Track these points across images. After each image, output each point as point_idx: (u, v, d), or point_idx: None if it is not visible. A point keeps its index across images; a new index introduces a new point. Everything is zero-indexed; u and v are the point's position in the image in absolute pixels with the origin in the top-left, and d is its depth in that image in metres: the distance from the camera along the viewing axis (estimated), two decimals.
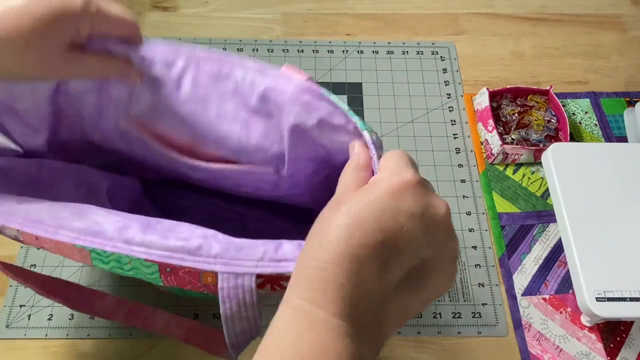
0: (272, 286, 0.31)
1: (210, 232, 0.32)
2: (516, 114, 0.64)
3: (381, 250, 0.24)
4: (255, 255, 0.31)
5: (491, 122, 0.62)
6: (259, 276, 0.31)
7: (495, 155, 0.61)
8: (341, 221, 0.25)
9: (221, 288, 0.30)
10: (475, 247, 0.58)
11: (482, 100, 0.64)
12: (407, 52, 0.72)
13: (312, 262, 0.24)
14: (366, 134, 0.32)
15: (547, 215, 0.60)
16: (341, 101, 0.34)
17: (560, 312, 0.54)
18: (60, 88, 0.38)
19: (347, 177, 0.29)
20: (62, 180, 0.41)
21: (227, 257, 0.30)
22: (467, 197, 0.61)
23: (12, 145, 0.37)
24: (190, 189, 0.51)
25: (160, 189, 0.53)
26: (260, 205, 0.53)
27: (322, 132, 0.34)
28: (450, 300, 0.55)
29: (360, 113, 0.66)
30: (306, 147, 0.36)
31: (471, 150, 0.64)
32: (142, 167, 0.46)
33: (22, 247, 0.55)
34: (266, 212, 0.53)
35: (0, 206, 0.32)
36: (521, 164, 0.63)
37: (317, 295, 0.24)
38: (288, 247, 0.31)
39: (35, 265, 0.54)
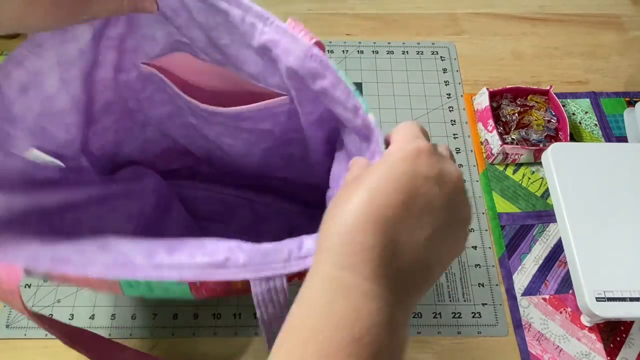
0: (301, 277, 0.32)
1: (234, 243, 0.32)
2: (516, 114, 0.64)
3: (404, 211, 0.25)
4: (281, 257, 0.31)
5: (491, 122, 0.62)
6: (287, 276, 0.31)
7: (495, 155, 0.61)
8: (360, 188, 0.25)
9: (255, 294, 0.31)
10: (475, 247, 0.58)
11: (482, 100, 0.64)
12: (407, 52, 0.72)
13: (337, 228, 0.24)
14: (371, 117, 0.32)
15: (547, 215, 0.60)
16: (347, 77, 0.33)
17: (560, 312, 0.54)
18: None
19: (352, 169, 0.30)
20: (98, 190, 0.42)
21: (255, 264, 0.31)
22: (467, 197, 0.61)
23: (55, 161, 0.37)
24: (202, 179, 0.51)
25: (175, 182, 0.54)
26: (269, 192, 0.53)
27: (323, 98, 0.34)
28: (450, 300, 0.55)
29: None
30: (307, 93, 0.36)
31: (471, 150, 0.64)
32: (166, 148, 0.47)
33: None
34: (275, 197, 0.54)
35: (26, 251, 0.31)
36: (521, 164, 0.63)
37: (346, 259, 0.23)
38: (310, 242, 0.31)
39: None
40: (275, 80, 0.38)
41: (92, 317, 0.52)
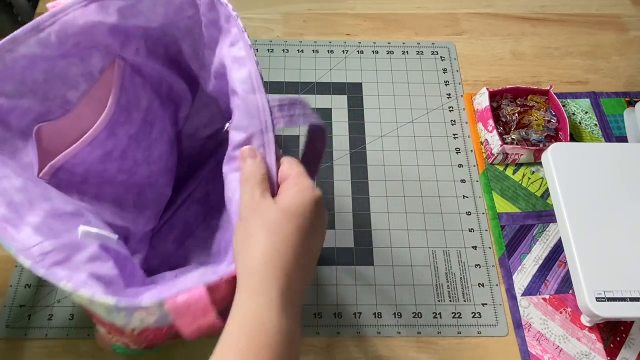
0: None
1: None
2: (516, 114, 0.64)
3: (299, 250, 0.33)
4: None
5: (491, 122, 0.62)
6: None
7: (495, 155, 0.61)
8: (263, 235, 0.33)
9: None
10: (475, 247, 0.58)
11: (482, 100, 0.64)
12: (407, 52, 0.72)
13: (249, 270, 0.32)
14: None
15: (547, 215, 0.60)
16: None
17: (560, 312, 0.54)
18: None
19: (247, 190, 0.35)
20: None
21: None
22: (467, 197, 0.61)
23: (109, 234, 0.38)
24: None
25: None
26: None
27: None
28: (450, 300, 0.55)
29: (360, 113, 0.66)
30: None
31: (471, 150, 0.64)
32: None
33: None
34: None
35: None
36: (521, 164, 0.63)
37: (258, 289, 0.32)
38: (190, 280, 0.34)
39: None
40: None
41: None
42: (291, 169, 0.36)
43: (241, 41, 0.37)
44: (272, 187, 0.36)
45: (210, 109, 0.54)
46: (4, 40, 0.35)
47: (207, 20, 0.39)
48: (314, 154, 0.43)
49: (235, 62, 0.37)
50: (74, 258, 0.32)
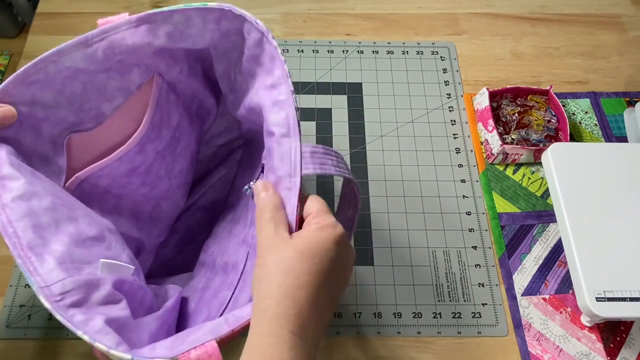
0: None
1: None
2: (516, 114, 0.64)
3: (316, 287, 0.33)
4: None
5: (491, 122, 0.62)
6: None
7: (495, 155, 0.61)
8: (275, 275, 0.32)
9: None
10: (475, 247, 0.58)
11: (482, 100, 0.64)
12: (407, 52, 0.72)
13: (266, 304, 0.32)
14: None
15: (547, 215, 0.60)
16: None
17: (560, 312, 0.54)
18: None
19: (262, 226, 0.35)
20: None
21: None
22: (467, 197, 0.61)
23: (127, 265, 0.38)
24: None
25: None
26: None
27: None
28: (450, 300, 0.55)
29: (360, 113, 0.66)
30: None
31: (471, 150, 0.64)
32: None
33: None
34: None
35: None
36: (521, 164, 0.63)
37: (274, 322, 0.32)
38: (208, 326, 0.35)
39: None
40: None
41: None
42: (313, 206, 0.35)
43: (284, 85, 0.37)
44: (291, 226, 0.35)
45: (226, 119, 0.55)
46: (49, 52, 0.35)
47: (250, 54, 0.39)
48: (346, 220, 0.42)
49: (276, 105, 0.37)
50: (91, 298, 0.33)
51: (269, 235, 0.34)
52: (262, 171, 0.43)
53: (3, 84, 0.34)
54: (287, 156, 0.35)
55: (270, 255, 0.33)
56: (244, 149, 0.58)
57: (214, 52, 0.42)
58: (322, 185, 0.61)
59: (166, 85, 0.43)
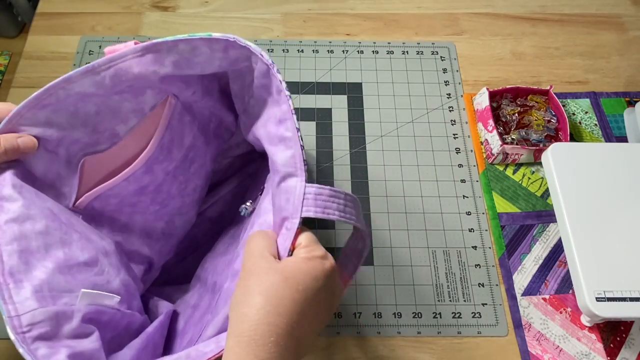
0: None
1: None
2: (516, 114, 0.64)
3: (297, 316, 0.31)
4: None
5: (491, 122, 0.62)
6: None
7: (495, 155, 0.61)
8: (259, 298, 0.31)
9: None
10: (475, 247, 0.58)
11: (482, 100, 0.64)
12: (407, 52, 0.72)
13: (245, 326, 0.31)
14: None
15: (547, 215, 0.60)
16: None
17: (560, 312, 0.54)
18: None
19: (253, 248, 0.34)
20: None
21: None
22: (467, 197, 0.61)
23: (111, 295, 0.38)
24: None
25: None
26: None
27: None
28: (450, 300, 0.55)
29: (360, 113, 0.66)
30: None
31: (471, 150, 0.64)
32: None
33: None
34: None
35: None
36: (521, 164, 0.63)
37: (250, 349, 0.30)
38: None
39: None
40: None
41: None
42: (304, 237, 0.35)
43: (289, 121, 0.37)
44: (281, 256, 0.35)
45: None
46: (58, 79, 0.35)
47: (260, 83, 0.39)
48: (354, 252, 0.42)
49: (282, 142, 0.37)
50: (60, 331, 0.32)
51: (255, 257, 0.33)
52: (261, 193, 0.43)
53: (16, 108, 0.35)
54: (292, 197, 0.35)
55: (253, 277, 0.32)
56: (260, 163, 0.57)
57: (230, 74, 0.43)
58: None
59: (180, 105, 0.43)
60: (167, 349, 0.42)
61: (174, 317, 0.44)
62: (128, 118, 0.41)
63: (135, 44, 0.37)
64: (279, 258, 0.35)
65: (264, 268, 0.33)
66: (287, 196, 0.36)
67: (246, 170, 0.57)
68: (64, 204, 0.39)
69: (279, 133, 0.37)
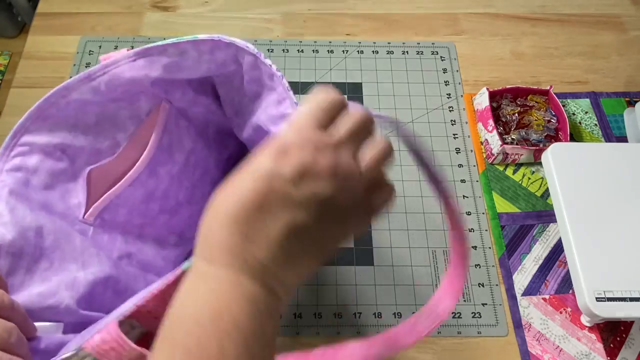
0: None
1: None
2: (516, 114, 0.64)
3: (255, 210, 0.25)
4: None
5: (491, 122, 0.62)
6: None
7: (495, 155, 0.61)
8: (221, 192, 0.26)
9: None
10: (475, 247, 0.58)
11: (482, 100, 0.64)
12: (407, 52, 0.72)
13: (202, 228, 0.26)
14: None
15: (547, 215, 0.60)
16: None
17: (560, 312, 0.54)
18: None
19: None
20: None
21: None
22: (467, 197, 0.61)
23: (49, 324, 0.37)
24: None
25: None
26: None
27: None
28: None
29: None
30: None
31: (471, 150, 0.64)
32: None
33: None
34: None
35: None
36: (521, 164, 0.63)
37: (204, 252, 0.25)
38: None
39: None
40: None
41: None
42: (289, 123, 0.28)
43: (287, 100, 0.38)
44: None
45: None
46: (58, 87, 0.38)
47: (250, 77, 0.41)
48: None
49: (283, 119, 0.39)
50: None
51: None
52: None
53: (20, 120, 0.37)
54: None
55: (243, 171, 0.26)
56: None
57: (216, 79, 0.44)
58: None
59: (175, 110, 0.45)
60: None
61: None
62: (126, 125, 0.42)
63: (128, 51, 0.39)
64: None
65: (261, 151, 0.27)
66: None
67: None
68: (73, 216, 0.40)
69: (279, 112, 0.39)
